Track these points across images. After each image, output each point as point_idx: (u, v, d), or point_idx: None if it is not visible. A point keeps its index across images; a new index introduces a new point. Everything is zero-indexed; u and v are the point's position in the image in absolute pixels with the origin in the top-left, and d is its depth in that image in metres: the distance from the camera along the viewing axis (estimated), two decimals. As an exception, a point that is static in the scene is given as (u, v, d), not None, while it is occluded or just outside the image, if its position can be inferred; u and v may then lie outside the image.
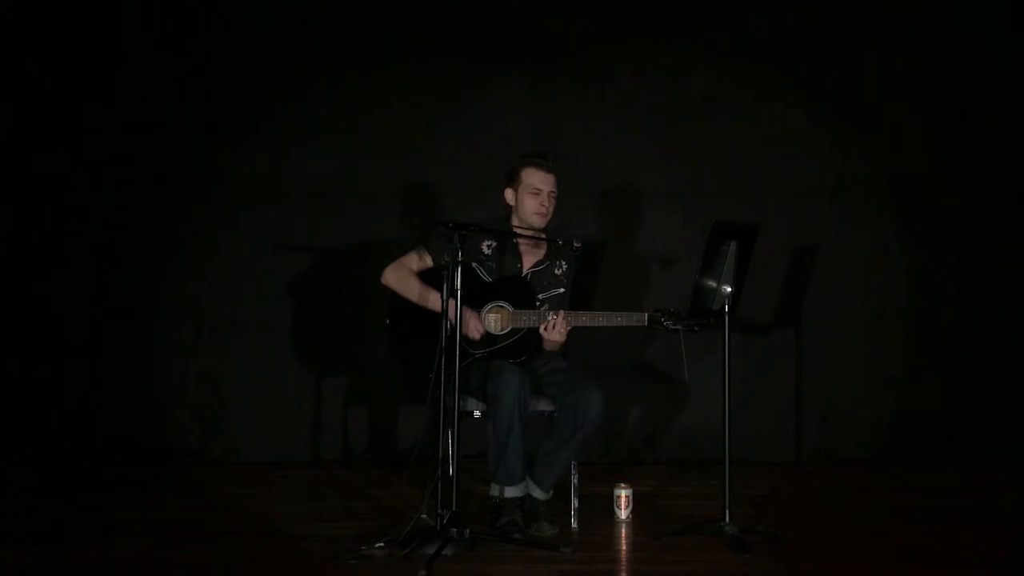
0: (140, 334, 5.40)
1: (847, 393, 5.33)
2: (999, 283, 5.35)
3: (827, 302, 5.35)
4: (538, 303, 3.89)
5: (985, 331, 5.33)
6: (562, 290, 3.99)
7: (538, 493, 3.82)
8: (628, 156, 5.41)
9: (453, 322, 3.51)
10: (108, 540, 3.68)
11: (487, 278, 3.91)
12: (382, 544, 3.40)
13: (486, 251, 3.94)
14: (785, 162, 5.40)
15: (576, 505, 3.87)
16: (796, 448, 5.35)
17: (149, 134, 5.41)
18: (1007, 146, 5.37)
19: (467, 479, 4.03)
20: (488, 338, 3.83)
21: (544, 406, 3.86)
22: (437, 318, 3.57)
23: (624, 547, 3.71)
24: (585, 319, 3.76)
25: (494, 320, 3.84)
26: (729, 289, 3.65)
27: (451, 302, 3.51)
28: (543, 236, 3.90)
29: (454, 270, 3.48)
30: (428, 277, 3.90)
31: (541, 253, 4.00)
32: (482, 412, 3.83)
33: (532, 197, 3.88)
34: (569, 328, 3.77)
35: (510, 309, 3.83)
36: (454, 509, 3.42)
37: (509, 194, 3.95)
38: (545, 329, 3.76)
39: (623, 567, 3.49)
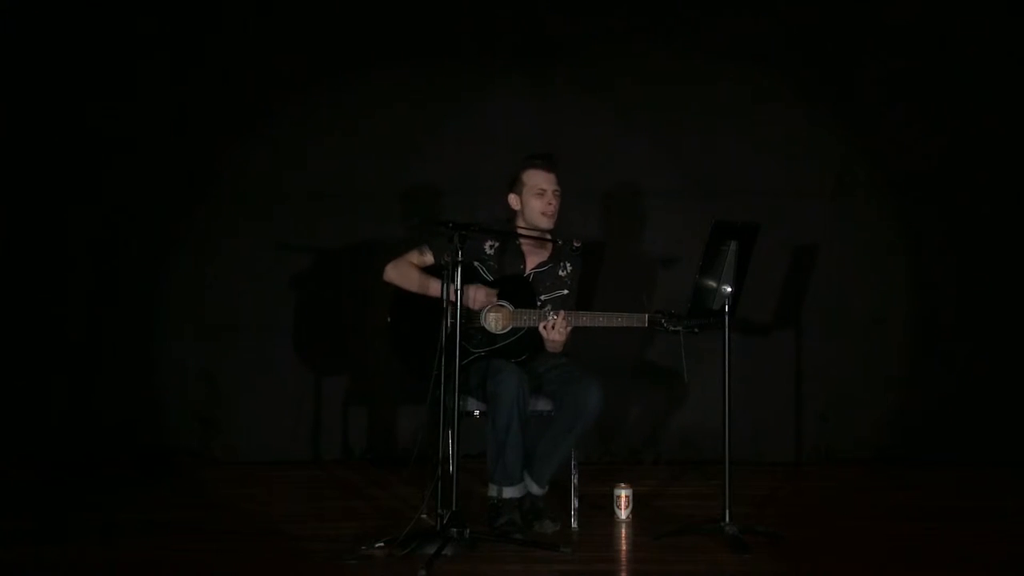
0: (140, 334, 5.40)
1: (847, 393, 5.33)
2: (999, 283, 5.35)
3: (827, 302, 5.35)
4: (539, 303, 3.89)
5: (985, 331, 5.33)
6: (566, 292, 3.98)
7: (534, 488, 3.80)
8: (628, 156, 5.41)
9: (455, 308, 3.49)
10: (108, 540, 3.68)
11: (488, 278, 3.91)
12: (382, 544, 3.40)
13: (488, 251, 3.94)
14: (785, 162, 5.40)
15: (576, 505, 3.86)
16: (796, 448, 5.35)
17: (149, 134, 5.41)
18: (1007, 146, 5.37)
19: (467, 479, 4.02)
20: (488, 337, 3.83)
21: (543, 406, 3.86)
22: (438, 316, 3.57)
23: (624, 547, 3.71)
24: (585, 319, 3.76)
25: (495, 319, 3.84)
26: (729, 289, 3.65)
27: (452, 290, 3.51)
28: (543, 236, 3.89)
29: (454, 270, 3.48)
30: (429, 271, 3.90)
31: (545, 254, 4.00)
32: (482, 412, 3.82)
33: (537, 198, 3.89)
34: (569, 328, 3.76)
35: (511, 308, 3.83)
36: (454, 509, 3.42)
37: (513, 199, 3.95)
38: (545, 328, 3.76)
39: (623, 567, 3.49)
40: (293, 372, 5.36)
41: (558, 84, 5.45)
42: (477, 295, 3.80)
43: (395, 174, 5.39)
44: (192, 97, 5.42)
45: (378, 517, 4.00)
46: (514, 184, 3.94)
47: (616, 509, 3.98)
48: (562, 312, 3.76)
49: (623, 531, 3.87)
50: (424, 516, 3.49)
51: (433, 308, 3.78)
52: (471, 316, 3.81)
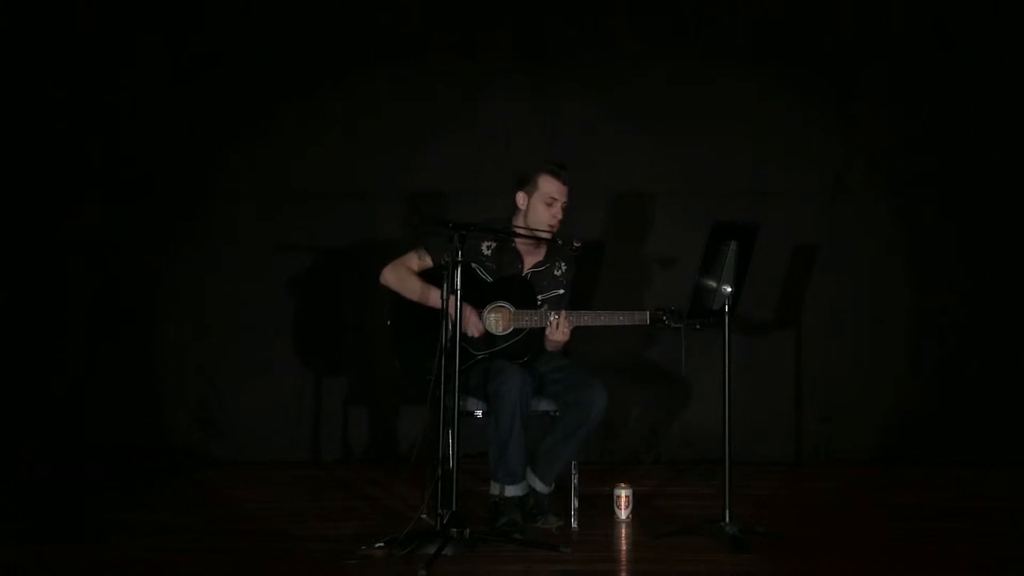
0: (140, 334, 5.40)
1: (847, 393, 5.33)
2: (999, 283, 5.35)
3: (827, 302, 5.35)
4: (539, 303, 3.89)
5: (985, 331, 5.33)
6: (561, 291, 3.99)
7: (540, 486, 3.82)
8: (628, 156, 5.41)
9: (454, 319, 3.50)
10: (108, 540, 3.67)
11: (487, 278, 3.91)
12: (382, 544, 3.40)
13: (486, 251, 3.94)
14: (785, 162, 5.41)
15: (576, 505, 3.86)
16: (796, 448, 5.35)
17: (150, 134, 5.41)
18: (1007, 146, 5.37)
19: (467, 479, 4.02)
20: (489, 338, 3.83)
21: (546, 406, 3.86)
22: (438, 318, 3.57)
23: (624, 547, 3.71)
24: (587, 318, 3.76)
25: (495, 320, 3.83)
26: (729, 289, 3.65)
27: (451, 300, 3.51)
28: (541, 237, 3.89)
29: (454, 270, 3.48)
30: (428, 275, 3.90)
31: (541, 254, 4.00)
32: (483, 412, 3.83)
33: (546, 207, 3.88)
34: (572, 327, 3.76)
35: (511, 309, 3.83)
36: (454, 509, 3.42)
37: (521, 197, 3.94)
38: (549, 328, 3.75)
39: (623, 567, 3.49)
40: (293, 372, 5.36)
41: (558, 84, 5.45)
42: (471, 319, 3.77)
43: (395, 174, 5.40)
44: (192, 97, 5.42)
45: (378, 517, 4.00)
46: (526, 183, 3.93)
47: (616, 509, 3.98)
48: (564, 312, 3.76)
49: (623, 531, 3.87)
50: (424, 516, 3.48)
51: (432, 309, 3.79)
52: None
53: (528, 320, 3.81)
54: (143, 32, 5.43)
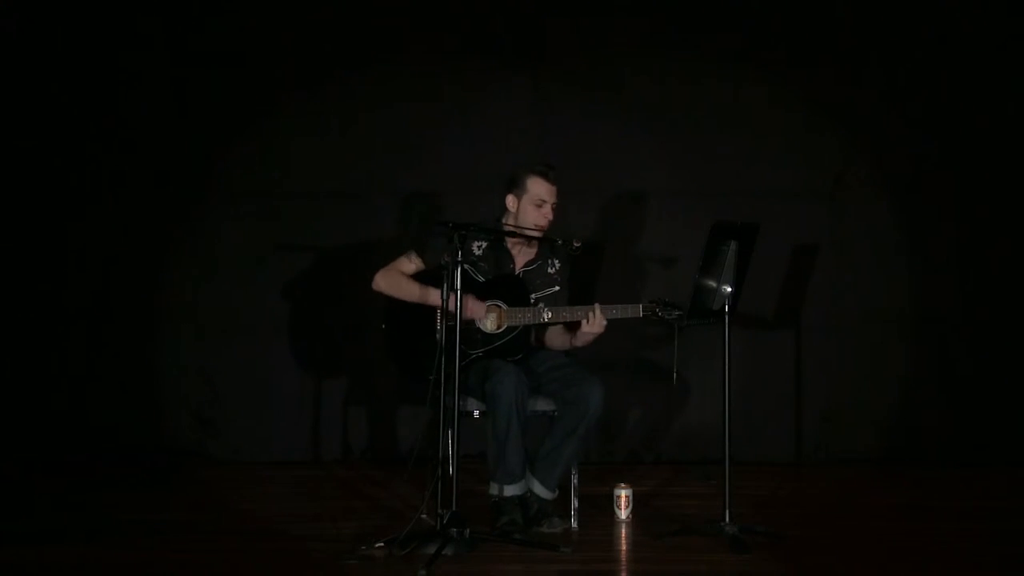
0: (140, 334, 5.40)
1: (847, 393, 5.33)
2: (999, 283, 5.35)
3: (827, 302, 5.35)
4: (532, 301, 3.89)
5: (985, 331, 5.33)
6: (556, 288, 3.99)
7: (543, 492, 3.80)
8: (628, 156, 5.41)
9: (454, 313, 3.49)
10: (108, 540, 3.67)
11: (479, 278, 3.91)
12: (382, 544, 3.40)
13: (477, 252, 3.94)
14: (785, 162, 5.41)
15: (576, 505, 3.86)
16: (796, 448, 5.35)
17: (149, 134, 5.41)
18: (1007, 146, 5.37)
19: (467, 479, 4.02)
20: (484, 337, 3.83)
21: (544, 406, 3.86)
22: (432, 319, 3.57)
23: (624, 547, 3.71)
24: (579, 313, 3.75)
25: (490, 320, 3.84)
26: (729, 289, 3.65)
27: (451, 296, 3.51)
28: (542, 237, 3.89)
29: (454, 269, 3.48)
30: (421, 277, 3.90)
31: (532, 252, 4.00)
32: (481, 412, 3.83)
33: (535, 208, 3.88)
34: (606, 319, 3.74)
35: (505, 308, 3.83)
36: (454, 509, 3.42)
37: (510, 200, 3.95)
38: (585, 324, 3.73)
39: (623, 567, 3.49)
40: (293, 372, 5.36)
41: (558, 84, 5.45)
42: (471, 305, 3.78)
43: (394, 174, 5.40)
44: (192, 97, 5.42)
45: (378, 517, 4.00)
46: (515, 185, 3.93)
47: (616, 509, 3.98)
48: (597, 305, 3.74)
49: (623, 531, 3.86)
50: (424, 516, 3.48)
51: (428, 310, 3.79)
52: (467, 319, 3.81)
53: (521, 318, 3.81)
54: (142, 32, 5.43)
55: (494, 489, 3.75)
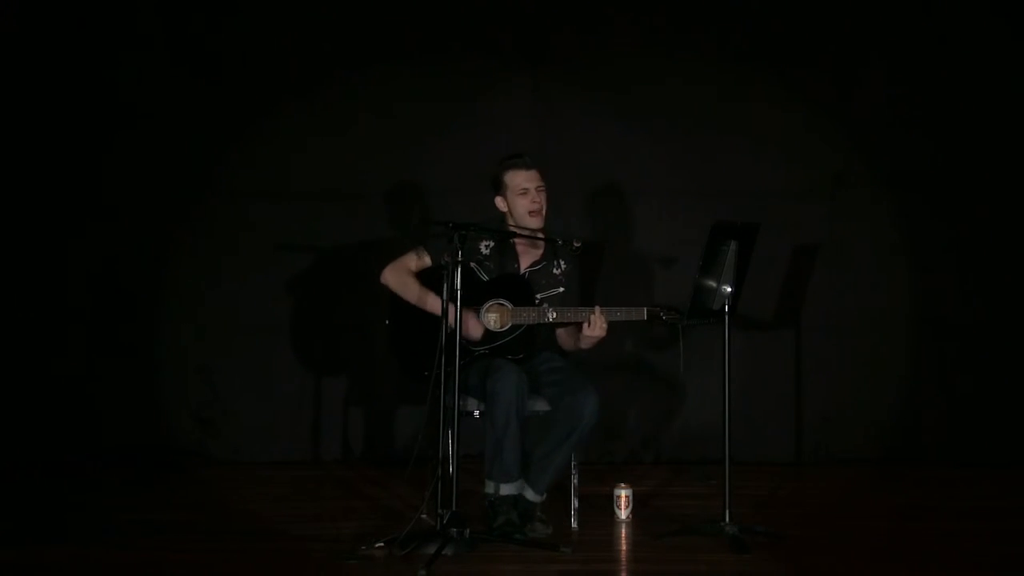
0: (140, 334, 5.40)
1: (847, 393, 5.33)
2: (999, 282, 5.35)
3: (827, 302, 5.35)
4: (537, 302, 3.89)
5: (985, 331, 5.33)
6: (562, 289, 3.98)
7: (531, 495, 3.77)
8: (628, 156, 5.41)
9: (452, 325, 3.50)
10: (108, 540, 3.67)
11: (485, 277, 3.92)
12: (382, 544, 3.40)
13: (484, 251, 3.94)
14: (785, 162, 5.41)
15: (576, 505, 3.86)
16: (796, 448, 5.35)
17: (150, 134, 5.41)
18: (1007, 146, 5.37)
19: (467, 479, 4.02)
20: (488, 335, 3.83)
21: (540, 406, 3.85)
22: (436, 318, 3.57)
23: (624, 547, 3.71)
24: (620, 314, 3.75)
25: (494, 318, 3.84)
26: (729, 289, 3.65)
27: (451, 306, 3.51)
28: (543, 236, 3.90)
29: (454, 270, 3.49)
30: (426, 278, 3.90)
31: (538, 253, 4.00)
32: (481, 411, 3.83)
33: (522, 197, 3.88)
34: (608, 322, 3.74)
35: (509, 307, 3.83)
36: (454, 509, 3.42)
37: (500, 202, 3.94)
38: (587, 327, 3.74)
39: (623, 567, 3.49)
40: (293, 372, 5.36)
41: (558, 84, 5.45)
42: (470, 325, 3.77)
43: (394, 174, 5.40)
44: (192, 96, 5.42)
45: (378, 517, 4.00)
46: (497, 187, 3.93)
47: (616, 509, 3.98)
48: (598, 308, 3.75)
49: (623, 531, 3.87)
50: (424, 516, 3.48)
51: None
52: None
53: (526, 317, 3.81)
54: (142, 32, 5.42)
55: (490, 488, 3.73)
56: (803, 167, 5.42)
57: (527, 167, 3.90)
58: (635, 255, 5.37)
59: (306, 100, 5.43)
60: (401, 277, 3.91)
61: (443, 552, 3.28)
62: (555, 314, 3.79)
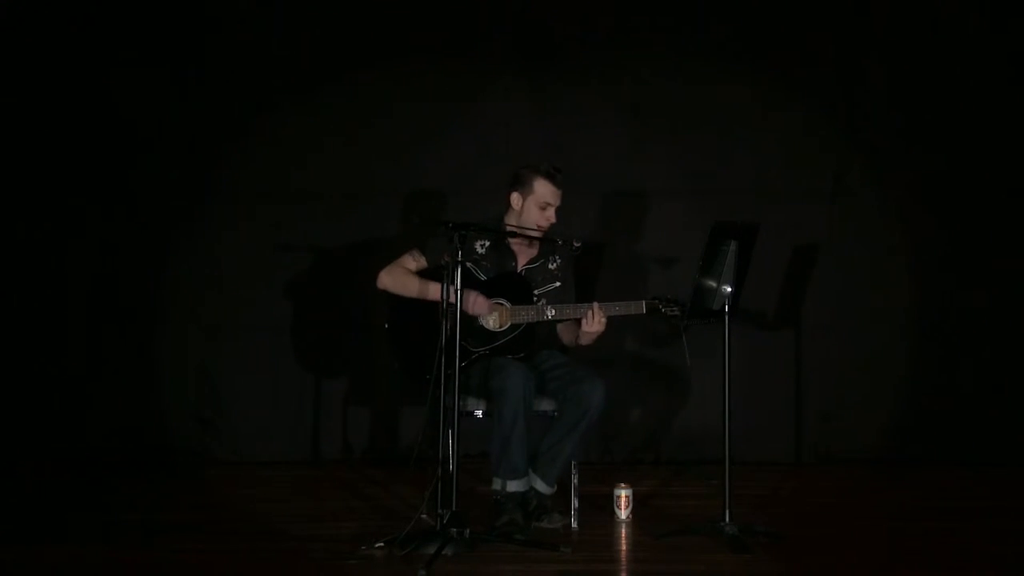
0: (140, 334, 5.40)
1: (847, 393, 5.33)
2: (999, 282, 5.35)
3: (827, 302, 5.35)
4: (535, 298, 3.89)
5: (985, 331, 5.33)
6: (558, 284, 3.99)
7: (542, 487, 3.81)
8: (628, 156, 5.41)
9: (455, 310, 3.49)
10: (108, 540, 3.68)
11: (482, 277, 3.92)
12: (382, 544, 3.40)
13: (480, 250, 3.95)
14: (785, 162, 5.41)
15: (576, 505, 3.86)
16: (796, 448, 5.36)
17: (149, 134, 5.41)
18: (1007, 146, 5.37)
19: (467, 479, 4.03)
20: (487, 335, 3.83)
21: (546, 406, 3.87)
22: (437, 318, 3.57)
23: (624, 547, 3.71)
24: (619, 308, 3.76)
25: (493, 318, 3.84)
26: (729, 289, 3.65)
27: (452, 291, 3.51)
28: (543, 236, 3.90)
29: (454, 269, 3.49)
30: (424, 275, 3.90)
31: (535, 251, 4.02)
32: (483, 411, 3.83)
33: (540, 210, 3.90)
34: (606, 317, 3.75)
35: (508, 306, 3.84)
36: (454, 509, 3.42)
37: (515, 198, 3.95)
38: (585, 322, 3.75)
39: (623, 567, 3.49)
40: (293, 372, 5.36)
41: (558, 84, 5.45)
42: (477, 301, 3.79)
43: (394, 174, 5.40)
44: (192, 96, 5.42)
45: (378, 517, 4.00)
46: (520, 184, 3.93)
47: (616, 509, 3.98)
48: (596, 304, 3.75)
49: (623, 531, 3.87)
50: (424, 516, 3.49)
51: (431, 309, 3.79)
52: (470, 316, 3.81)
53: (525, 316, 3.82)
54: (142, 32, 5.42)
55: (497, 485, 3.75)
56: (803, 167, 5.42)
57: (558, 185, 3.92)
58: (635, 255, 5.37)
59: (306, 101, 5.43)
60: (399, 277, 3.91)
61: (443, 552, 3.28)
62: (553, 312, 3.80)
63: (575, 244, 3.82)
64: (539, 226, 3.89)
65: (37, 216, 5.40)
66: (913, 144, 5.39)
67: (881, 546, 3.65)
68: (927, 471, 5.14)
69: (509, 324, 3.83)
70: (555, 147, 5.25)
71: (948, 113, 5.38)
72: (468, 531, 3.41)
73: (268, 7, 5.45)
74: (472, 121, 5.42)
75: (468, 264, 3.87)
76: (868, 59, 5.41)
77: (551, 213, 3.91)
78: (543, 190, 3.90)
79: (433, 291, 3.82)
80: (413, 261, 3.94)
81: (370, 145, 5.41)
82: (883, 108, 5.40)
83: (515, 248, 4.00)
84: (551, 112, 5.43)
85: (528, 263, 4.00)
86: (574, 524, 3.85)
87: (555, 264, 4.02)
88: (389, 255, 4.00)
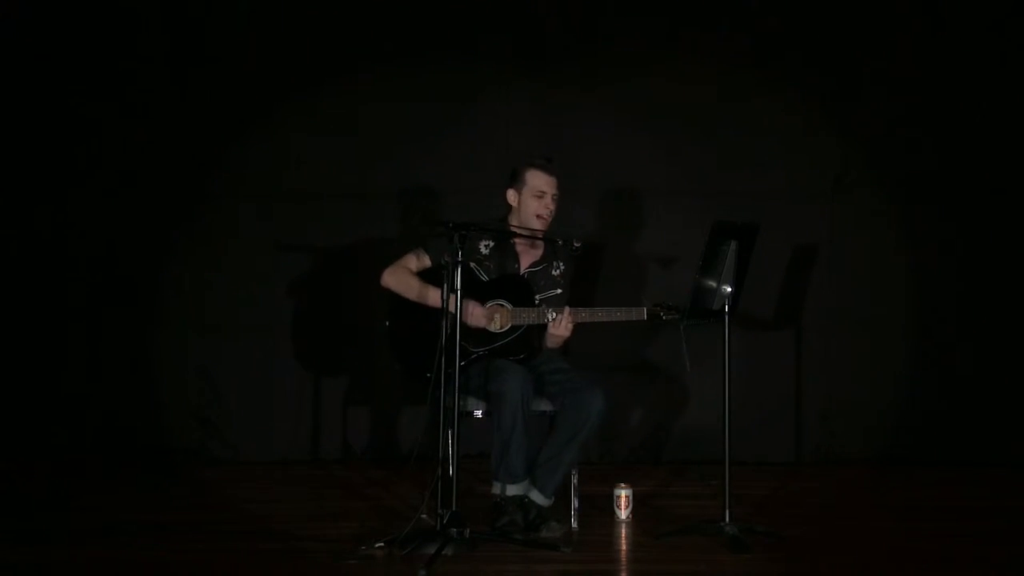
0: (139, 334, 5.40)
1: (847, 393, 5.33)
2: (999, 283, 5.35)
3: (827, 302, 5.35)
4: (536, 302, 3.89)
5: (985, 331, 5.33)
6: (559, 291, 3.99)
7: (539, 498, 3.78)
8: (628, 156, 5.41)
9: (454, 315, 3.50)
10: (108, 540, 3.67)
11: (484, 277, 3.92)
12: (382, 544, 3.40)
13: (484, 251, 3.95)
14: (785, 162, 5.41)
15: (576, 505, 3.86)
16: (796, 448, 5.36)
17: (149, 134, 5.42)
18: (1007, 146, 5.37)
19: (467, 479, 4.02)
20: (488, 336, 3.83)
21: (544, 406, 3.86)
22: (437, 319, 3.57)
23: (624, 547, 3.71)
24: (585, 315, 3.77)
25: (495, 321, 3.84)
26: (729, 289, 3.65)
27: (451, 298, 3.51)
28: (543, 236, 3.90)
29: (454, 270, 3.49)
30: (427, 277, 3.90)
31: (538, 254, 4.01)
32: (482, 412, 3.83)
33: (535, 200, 3.89)
34: (574, 323, 3.77)
35: (509, 307, 3.83)
36: (454, 509, 3.42)
37: (511, 195, 3.96)
38: (553, 325, 3.76)
39: (623, 567, 3.49)
40: (293, 372, 5.36)
41: (558, 84, 5.45)
42: (474, 311, 3.79)
43: (395, 174, 5.40)
44: (192, 96, 5.42)
45: (378, 517, 4.00)
46: (515, 180, 3.95)
47: (616, 509, 3.98)
48: (567, 308, 3.77)
49: (623, 531, 3.86)
50: (424, 516, 3.48)
51: (431, 309, 3.79)
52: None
53: (526, 317, 3.81)
54: (142, 31, 5.42)
55: (496, 488, 3.75)
56: (803, 167, 5.42)
57: (550, 172, 3.91)
58: (635, 255, 5.37)
59: (307, 101, 5.43)
60: (401, 277, 3.91)
61: (443, 552, 3.28)
62: (555, 315, 3.79)
63: (575, 244, 3.82)
64: (538, 216, 3.88)
65: (37, 216, 5.40)
66: (913, 144, 5.39)
67: (881, 546, 3.65)
68: (926, 471, 5.14)
69: (510, 325, 3.83)
70: (555, 147, 5.24)
71: (948, 113, 5.38)
72: (468, 531, 3.41)
73: (269, 7, 5.44)
74: (472, 121, 5.42)
75: (471, 264, 3.88)
76: (868, 59, 5.41)
77: (548, 201, 3.90)
78: (535, 180, 3.90)
79: (432, 297, 3.82)
80: (416, 261, 3.94)
81: (370, 144, 5.41)
82: (883, 108, 5.40)
83: (519, 249, 4.00)
84: (551, 112, 5.42)
85: (531, 266, 3.99)
86: (574, 524, 3.84)
87: (559, 270, 4.01)
88: (389, 255, 4.00)
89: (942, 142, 5.38)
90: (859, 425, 5.33)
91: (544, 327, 3.86)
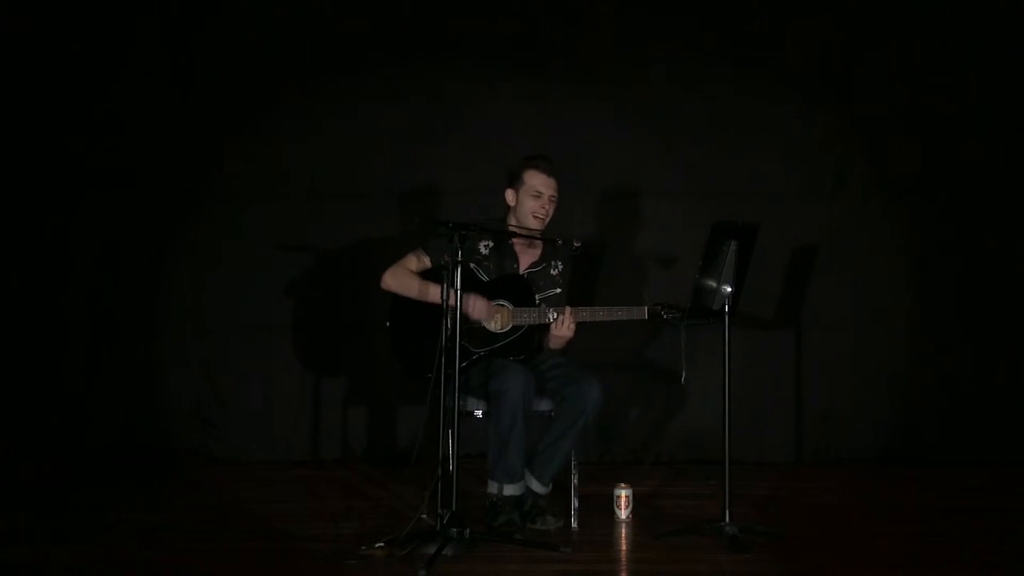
0: (140, 334, 5.40)
1: (847, 393, 5.33)
2: (999, 283, 5.35)
3: (827, 302, 5.35)
4: (537, 302, 3.89)
5: (985, 331, 5.33)
6: (558, 291, 4.00)
7: (537, 487, 3.82)
8: (628, 156, 5.41)
9: (455, 312, 3.50)
10: (108, 540, 3.68)
11: (484, 278, 3.92)
12: (382, 544, 3.40)
13: (483, 251, 3.95)
14: (785, 162, 5.41)
15: (576, 505, 3.87)
16: (796, 448, 5.35)
17: (149, 134, 5.41)
18: (1007, 145, 5.37)
19: (467, 479, 4.02)
20: (488, 337, 3.83)
21: (545, 406, 3.87)
22: (438, 318, 3.57)
23: (624, 547, 3.71)
24: (585, 314, 3.78)
25: (495, 321, 3.84)
26: (729, 289, 3.65)
27: (452, 294, 3.52)
28: (542, 236, 3.90)
29: (454, 270, 3.49)
30: (427, 275, 3.91)
31: (537, 254, 4.01)
32: (483, 411, 3.83)
33: (533, 199, 3.90)
34: (576, 323, 3.77)
35: (510, 307, 3.84)
36: (454, 509, 3.42)
37: (510, 194, 3.96)
38: (555, 325, 3.76)
39: (623, 567, 3.49)
40: (293, 372, 5.36)
41: (557, 84, 5.45)
42: (477, 304, 3.79)
43: (394, 174, 5.40)
44: (192, 96, 5.42)
45: (378, 517, 4.00)
46: (513, 180, 3.96)
47: (616, 509, 3.98)
48: (568, 308, 3.77)
49: (623, 531, 3.87)
50: (424, 516, 3.49)
51: (432, 309, 3.80)
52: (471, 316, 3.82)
53: (527, 317, 3.82)
54: (142, 31, 5.42)
55: (493, 488, 3.76)
56: (803, 167, 5.42)
57: (548, 173, 3.92)
58: (635, 255, 5.37)
59: (306, 100, 5.43)
60: (402, 278, 3.92)
61: (443, 552, 3.28)
62: (555, 314, 3.80)
63: (575, 244, 3.82)
64: (536, 215, 3.89)
65: (37, 215, 5.39)
66: (913, 143, 5.38)
67: (881, 546, 3.65)
68: (927, 471, 5.13)
69: (511, 325, 3.83)
70: (555, 147, 5.23)
71: (948, 113, 5.37)
72: (468, 531, 3.41)
73: (269, 7, 5.44)
74: (472, 121, 5.42)
75: (471, 265, 3.88)
76: (868, 59, 5.41)
77: (545, 201, 3.90)
78: (533, 180, 3.91)
79: (433, 293, 3.82)
80: (416, 261, 3.94)
81: (370, 144, 5.41)
82: (883, 107, 5.40)
83: (518, 249, 4.00)
84: (551, 112, 5.42)
85: (530, 266, 4.00)
86: (574, 524, 3.85)
87: (557, 270, 4.02)
88: (389, 255, 4.00)
89: (942, 142, 5.37)
90: (859, 425, 5.33)
91: (544, 327, 3.87)
